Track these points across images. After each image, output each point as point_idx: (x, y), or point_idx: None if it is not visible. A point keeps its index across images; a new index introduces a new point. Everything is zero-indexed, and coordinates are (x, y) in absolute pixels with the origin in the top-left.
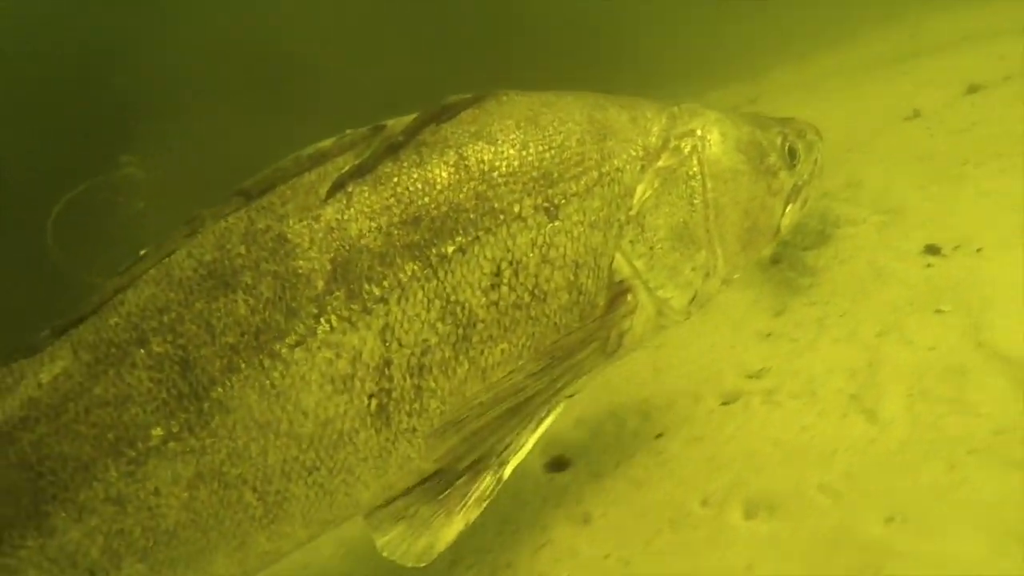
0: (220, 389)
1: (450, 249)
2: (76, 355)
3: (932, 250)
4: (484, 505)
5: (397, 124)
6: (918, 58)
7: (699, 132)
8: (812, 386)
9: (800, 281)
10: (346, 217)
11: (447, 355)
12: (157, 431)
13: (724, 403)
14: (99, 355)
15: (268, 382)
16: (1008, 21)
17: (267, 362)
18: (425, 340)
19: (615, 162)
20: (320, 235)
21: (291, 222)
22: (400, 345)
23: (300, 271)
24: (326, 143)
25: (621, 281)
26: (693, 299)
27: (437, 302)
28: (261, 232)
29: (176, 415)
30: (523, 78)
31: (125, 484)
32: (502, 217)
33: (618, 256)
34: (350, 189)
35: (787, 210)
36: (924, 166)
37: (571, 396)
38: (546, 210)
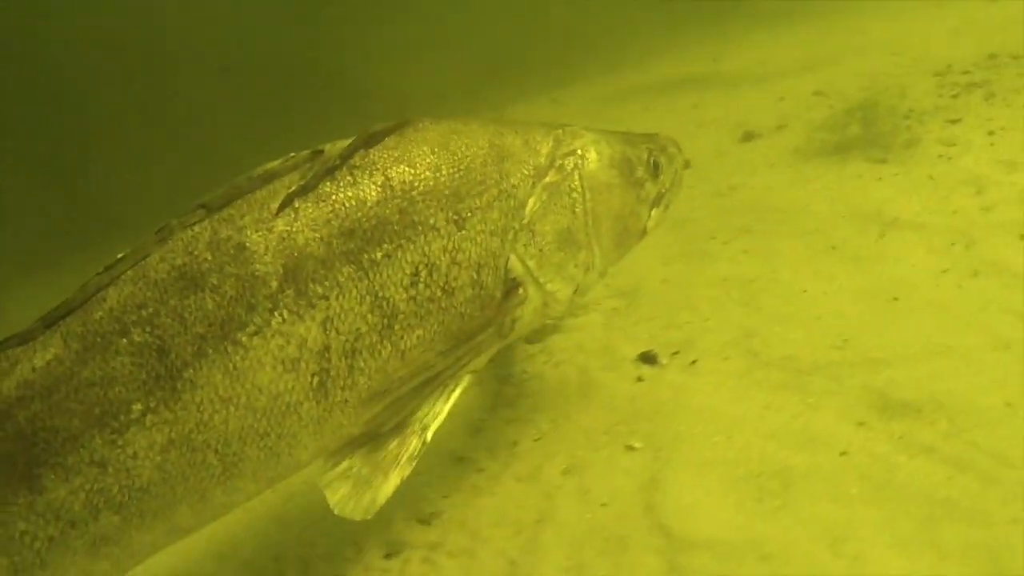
0: (191, 371)
1: (378, 255)
2: (66, 343)
3: (648, 358)
4: (413, 464)
5: (333, 148)
6: (706, 91)
7: (579, 152)
8: (474, 543)
9: (506, 390)
10: (294, 229)
11: (374, 340)
12: (137, 406)
13: (387, 555)
14: (87, 343)
15: (231, 364)
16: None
17: (230, 348)
18: (358, 329)
19: (511, 180)
20: (273, 244)
21: (248, 232)
22: (337, 333)
23: (257, 273)
24: (274, 164)
25: (515, 277)
26: (576, 291)
27: (368, 298)
28: (224, 241)
29: (154, 392)
30: None
31: (108, 450)
32: (420, 228)
33: (513, 257)
34: (296, 205)
35: (652, 214)
36: (675, 235)
37: (474, 372)
38: (455, 222)
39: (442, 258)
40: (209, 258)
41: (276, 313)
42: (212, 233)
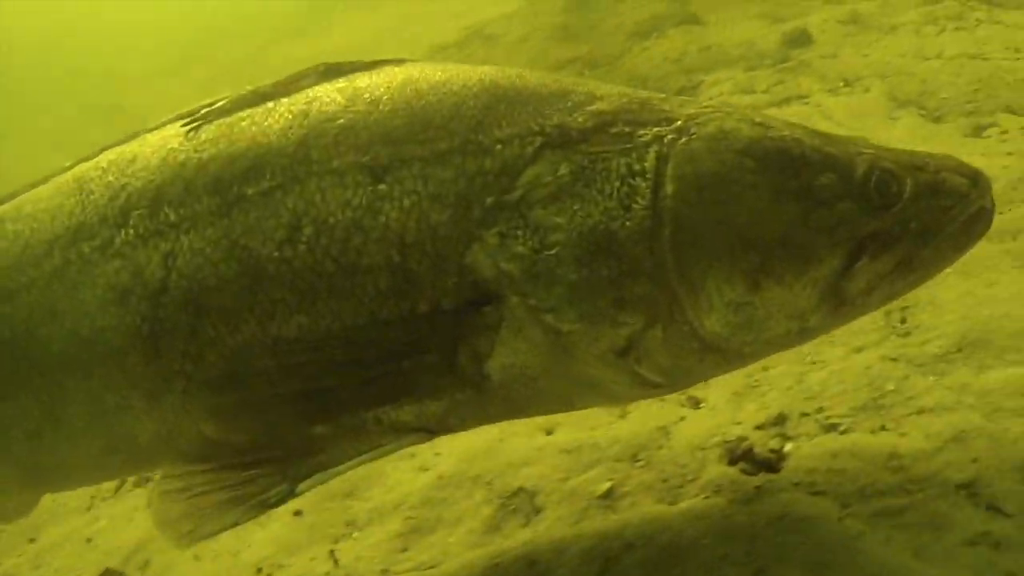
0: (34, 271)
1: (250, 191)
2: None
3: None
4: (262, 512)
5: (292, 77)
6: None
7: (680, 122)
8: None
9: None
10: (179, 146)
11: (228, 304)
12: None
13: None
14: None
15: (67, 275)
16: None
17: (72, 257)
18: (204, 278)
19: (495, 132)
20: (156, 161)
21: (136, 146)
22: (179, 276)
23: (126, 187)
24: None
25: (480, 283)
26: (629, 349)
27: (224, 242)
28: (116, 157)
29: None
30: None
31: None
32: (315, 168)
33: (476, 249)
34: (201, 125)
35: (858, 265)
36: None
37: (431, 433)
38: (371, 169)
39: (339, 216)
40: (96, 168)
41: (123, 231)
42: (119, 147)
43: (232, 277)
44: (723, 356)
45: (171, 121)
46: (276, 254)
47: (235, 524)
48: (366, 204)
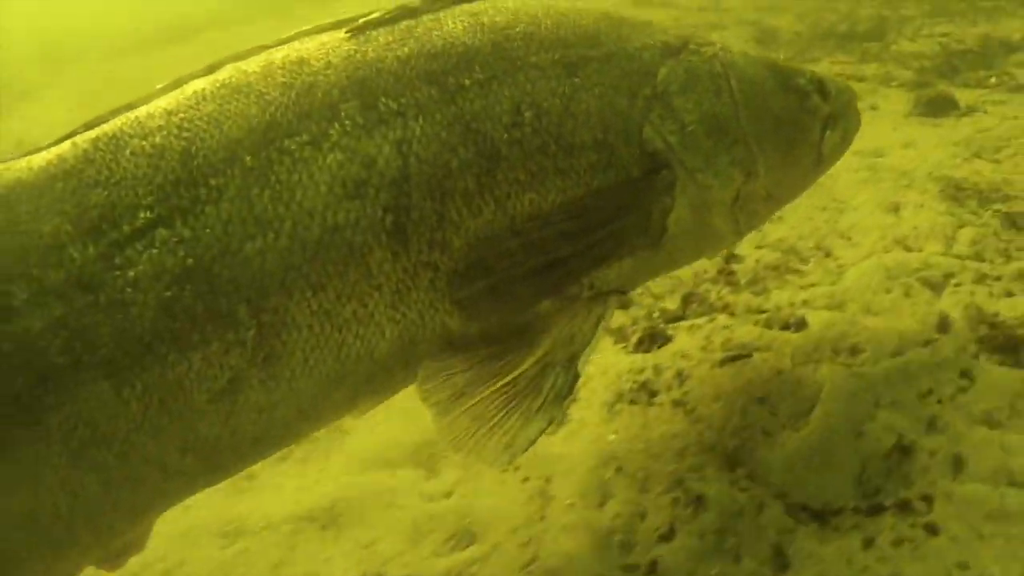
0: (219, 178)
1: (467, 81)
2: (74, 144)
3: None
4: (564, 407)
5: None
6: None
7: (718, 44)
8: None
9: None
10: (364, 48)
11: (470, 186)
12: (143, 214)
13: None
14: (97, 145)
15: (272, 176)
16: None
17: (274, 155)
18: (446, 162)
19: (633, 43)
20: (337, 60)
21: (311, 49)
22: (419, 160)
23: (315, 84)
24: (348, 15)
25: (655, 153)
26: (736, 199)
27: (457, 126)
28: (280, 60)
29: (168, 198)
30: None
31: (99, 268)
32: (519, 64)
33: (648, 127)
34: (368, 32)
35: (826, 135)
36: None
37: (622, 293)
38: (564, 65)
39: (551, 101)
40: (258, 72)
41: (336, 124)
42: (267, 57)
43: (471, 159)
44: (775, 202)
45: (304, 34)
46: (506, 136)
47: (545, 426)
48: (569, 93)
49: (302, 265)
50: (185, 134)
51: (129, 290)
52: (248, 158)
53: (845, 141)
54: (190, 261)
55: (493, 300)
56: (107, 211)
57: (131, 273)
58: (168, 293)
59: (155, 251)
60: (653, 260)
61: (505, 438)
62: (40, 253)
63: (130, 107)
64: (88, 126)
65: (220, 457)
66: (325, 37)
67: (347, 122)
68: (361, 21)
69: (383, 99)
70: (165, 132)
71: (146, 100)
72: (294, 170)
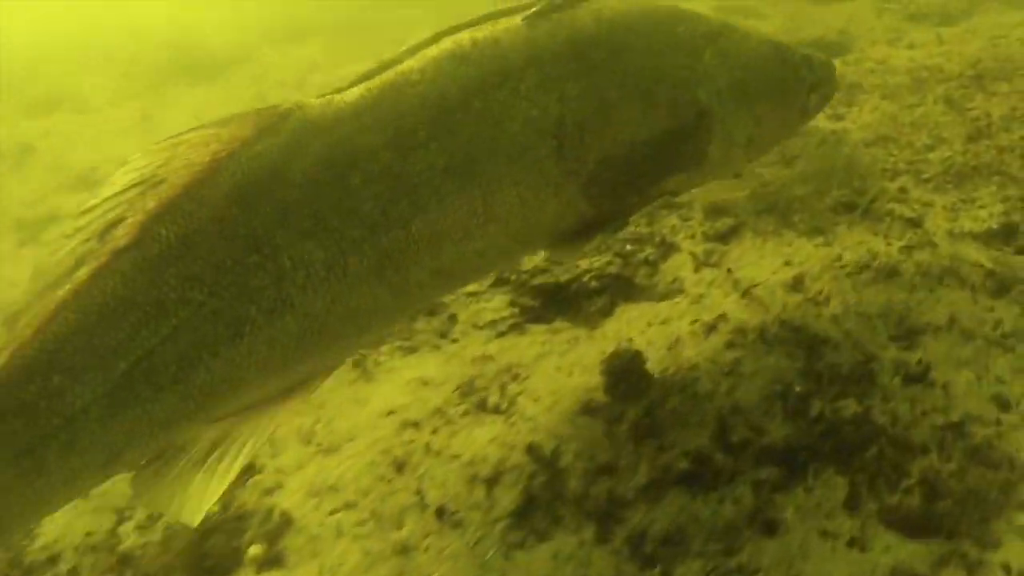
0: (460, 113)
1: (597, 58)
2: (368, 88)
3: None
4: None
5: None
6: None
7: (735, 27)
8: None
9: None
10: (535, 33)
11: (599, 124)
12: (422, 133)
13: None
14: (383, 88)
15: (491, 114)
16: None
17: (491, 100)
18: (585, 110)
19: (689, 34)
20: (519, 40)
21: (499, 32)
22: (570, 109)
23: (508, 56)
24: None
25: (702, 108)
26: (749, 140)
27: (591, 88)
28: (481, 38)
29: (435, 123)
30: None
31: None
32: (630, 45)
33: (700, 90)
34: (535, 20)
35: (811, 96)
36: None
37: (674, 195)
38: (652, 49)
39: (644, 73)
40: (468, 45)
41: (523, 82)
42: (472, 31)
43: (598, 107)
44: (773, 142)
45: (489, 18)
46: (617, 94)
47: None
48: (654, 67)
49: (510, 167)
50: (436, 85)
51: (424, 175)
52: (476, 101)
53: (824, 101)
54: (456, 159)
55: (609, 195)
56: (400, 131)
57: (419, 167)
58: (438, 182)
59: (431, 155)
60: (694, 176)
61: None
62: (363, 156)
63: (393, 64)
64: (366, 76)
65: (456, 280)
66: (505, 22)
67: (530, 81)
68: (532, 11)
69: (548, 68)
70: (424, 83)
71: (399, 60)
72: (502, 110)
